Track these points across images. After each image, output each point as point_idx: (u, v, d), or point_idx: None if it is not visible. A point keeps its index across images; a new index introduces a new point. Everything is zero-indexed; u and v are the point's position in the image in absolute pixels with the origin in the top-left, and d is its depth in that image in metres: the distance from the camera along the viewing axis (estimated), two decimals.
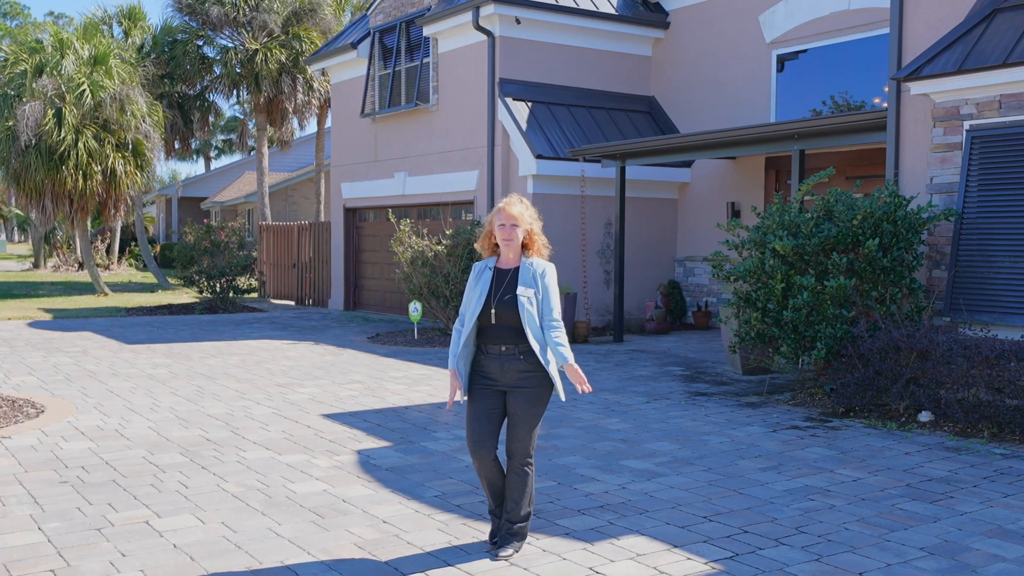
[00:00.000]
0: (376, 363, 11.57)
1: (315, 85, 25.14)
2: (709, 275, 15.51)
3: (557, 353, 4.55)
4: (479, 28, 14.99)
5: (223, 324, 16.59)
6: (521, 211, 4.61)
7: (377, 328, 15.76)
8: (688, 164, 15.86)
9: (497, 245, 4.69)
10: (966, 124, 8.74)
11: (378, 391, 9.54)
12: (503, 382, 4.60)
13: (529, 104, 15.19)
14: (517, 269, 4.64)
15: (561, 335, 4.59)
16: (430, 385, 9.91)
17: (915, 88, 9.02)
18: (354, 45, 18.47)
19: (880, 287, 8.39)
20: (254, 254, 22.12)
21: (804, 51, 14.31)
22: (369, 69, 18.34)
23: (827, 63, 14.01)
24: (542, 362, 4.57)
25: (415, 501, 5.70)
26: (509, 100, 14.99)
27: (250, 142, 31.53)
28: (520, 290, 4.57)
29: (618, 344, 13.45)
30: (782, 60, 14.57)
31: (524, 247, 4.66)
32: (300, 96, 24.98)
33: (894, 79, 9.20)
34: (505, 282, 4.61)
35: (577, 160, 14.51)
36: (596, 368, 11.10)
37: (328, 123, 28.33)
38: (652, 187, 15.80)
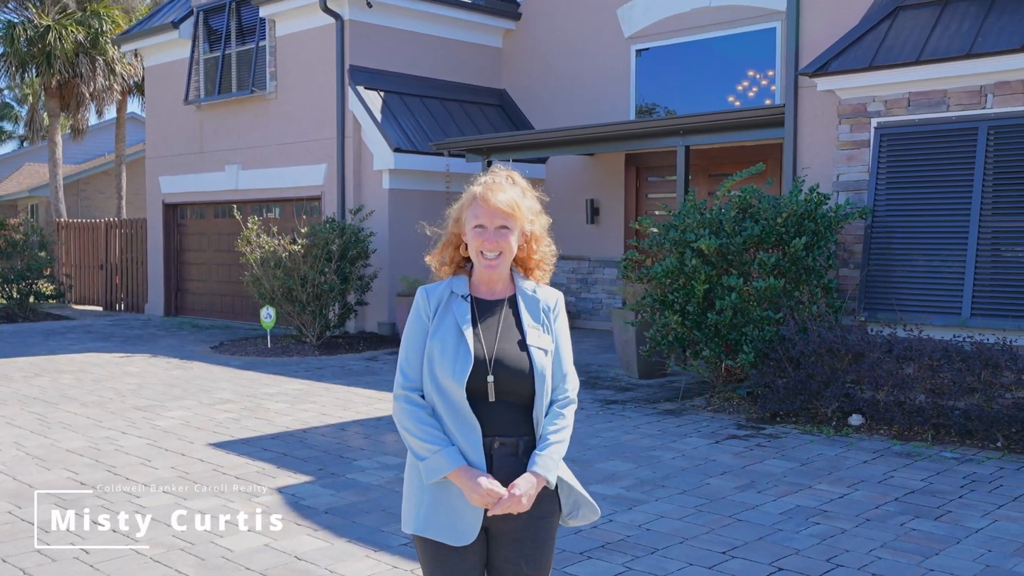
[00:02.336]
0: (237, 377, 10.33)
1: (118, 68, 22.84)
2: (567, 275, 15.13)
3: (546, 456, 2.65)
4: (326, 10, 13.87)
5: (30, 335, 14.58)
6: (515, 200, 2.70)
7: (214, 336, 14.31)
8: (543, 160, 15.40)
9: (467, 260, 2.79)
10: (874, 122, 8.68)
11: (259, 412, 8.41)
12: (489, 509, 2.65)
13: (382, 94, 14.23)
14: (513, 299, 2.77)
15: (568, 423, 2.74)
16: (315, 402, 8.86)
17: (822, 84, 8.88)
18: (175, 24, 16.77)
19: (802, 287, 8.16)
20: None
21: (664, 47, 14.14)
22: (193, 52, 16.71)
23: (688, 59, 13.89)
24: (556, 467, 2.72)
25: (385, 553, 4.80)
26: (361, 89, 13.96)
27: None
28: (533, 337, 2.69)
29: None
30: (642, 55, 14.37)
31: (517, 262, 2.80)
32: (100, 80, 22.61)
33: (801, 74, 9.05)
34: (499, 323, 2.71)
35: (440, 154, 13.71)
36: None
37: (130, 110, 25.95)
38: None
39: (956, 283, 7.98)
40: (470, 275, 2.79)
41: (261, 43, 15.48)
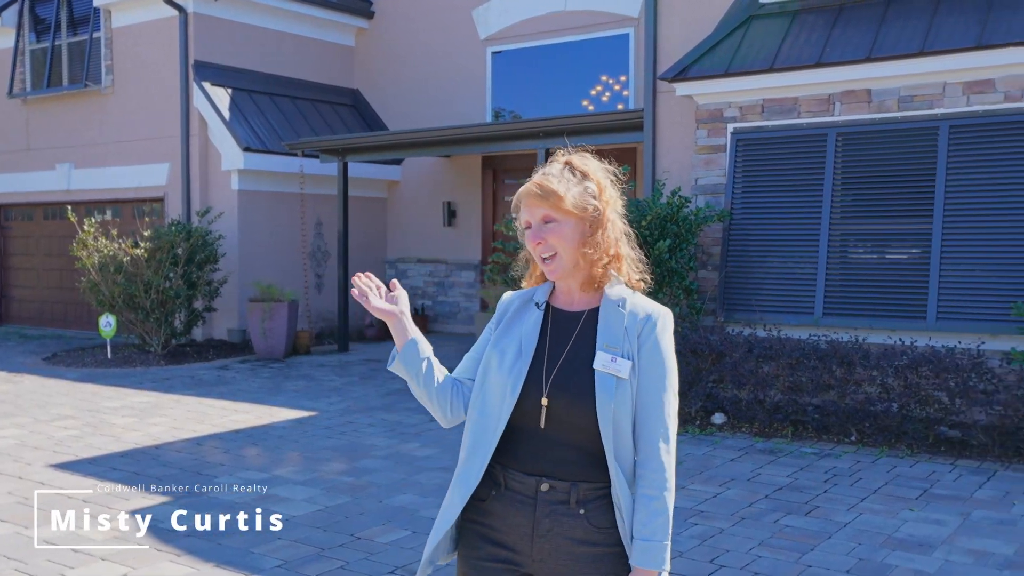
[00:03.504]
0: (75, 391, 9.63)
1: None
2: (424, 278, 14.92)
3: (648, 531, 2.17)
4: (169, 1, 13.18)
5: None
6: (551, 182, 2.22)
7: (46, 346, 13.34)
8: (399, 162, 15.14)
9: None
10: (730, 127, 8.91)
11: (104, 428, 7.84)
12: (533, 561, 2.23)
13: (230, 91, 13.63)
14: (594, 312, 2.27)
15: (667, 479, 2.20)
16: (165, 416, 8.33)
17: (681, 89, 9.05)
18: None
19: (665, 288, 8.28)
20: None
21: (520, 49, 14.16)
22: (18, 42, 15.57)
23: (543, 63, 13.95)
24: (626, 528, 2.20)
25: None
26: (207, 85, 13.33)
27: None
28: (603, 359, 2.19)
29: (346, 354, 12.44)
30: (498, 58, 14.33)
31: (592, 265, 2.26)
32: None
33: (661, 79, 9.18)
34: (571, 338, 2.25)
35: (293, 154, 13.24)
36: (346, 383, 10.07)
37: None
38: (361, 185, 14.82)
39: (809, 283, 8.28)
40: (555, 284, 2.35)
41: (95, 34, 14.57)
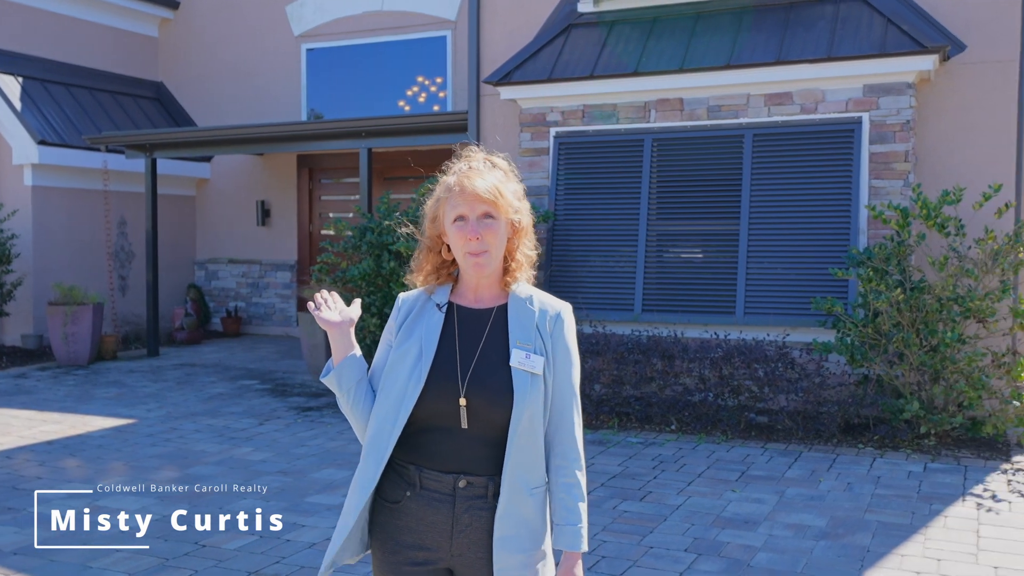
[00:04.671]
0: None
1: None
2: (237, 279, 14.49)
3: (567, 515, 2.27)
4: None
5: None
6: (497, 184, 2.28)
7: None
8: (208, 158, 14.61)
9: (450, 263, 2.35)
10: (553, 131, 9.22)
11: None
12: (452, 556, 2.27)
13: (20, 79, 12.73)
14: (503, 309, 2.32)
15: (582, 467, 2.33)
16: None
17: (505, 93, 9.27)
18: None
19: None
20: None
21: (336, 48, 14.00)
22: None
23: (360, 62, 13.87)
24: (542, 521, 2.30)
25: None
26: None
27: None
28: (518, 356, 2.25)
29: (156, 358, 11.91)
30: (313, 55, 14.11)
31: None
32: None
33: (486, 83, 9.37)
34: (482, 337, 2.29)
35: (96, 149, 12.52)
36: (161, 388, 9.65)
37: None
38: (167, 183, 14.16)
39: (629, 281, 8.70)
40: (455, 281, 2.37)
41: None
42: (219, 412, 8.45)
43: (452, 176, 2.31)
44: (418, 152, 13.06)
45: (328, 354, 8.78)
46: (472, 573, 2.27)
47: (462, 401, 2.22)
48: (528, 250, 2.34)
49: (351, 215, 13.62)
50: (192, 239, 14.82)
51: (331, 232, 13.87)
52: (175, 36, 14.89)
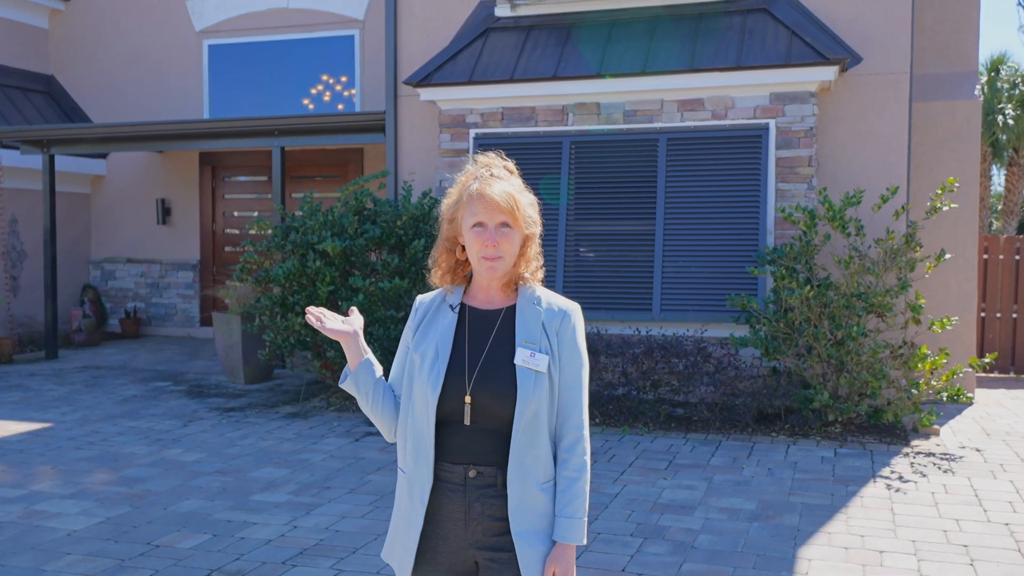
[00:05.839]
0: None
1: None
2: (135, 279, 14.11)
3: (568, 507, 2.37)
4: None
5: None
6: (515, 195, 2.39)
7: None
8: (105, 155, 14.18)
9: (464, 263, 2.46)
10: (472, 132, 9.38)
11: None
12: (467, 544, 2.39)
13: None
14: (512, 309, 2.45)
15: (585, 462, 2.41)
16: None
17: (425, 95, 9.38)
18: None
19: (420, 286, 8.58)
20: None
21: (239, 44, 13.80)
22: None
23: (264, 59, 13.71)
24: (549, 508, 2.40)
25: None
26: None
27: None
28: (523, 355, 2.36)
29: (56, 361, 11.53)
30: (215, 51, 13.87)
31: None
32: None
33: (406, 83, 9.45)
34: (490, 335, 2.42)
35: None
36: (69, 391, 9.38)
37: None
38: (60, 179, 13.67)
39: (549, 280, 8.92)
40: (468, 283, 2.48)
41: None
42: (138, 414, 8.29)
43: (474, 182, 2.40)
44: (325, 151, 13.05)
45: (246, 354, 8.81)
46: (487, 558, 2.37)
47: (467, 398, 2.33)
48: (537, 255, 2.46)
49: (256, 213, 13.48)
50: (87, 238, 14.36)
51: (235, 232, 13.71)
52: (67, 28, 14.40)
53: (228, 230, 13.83)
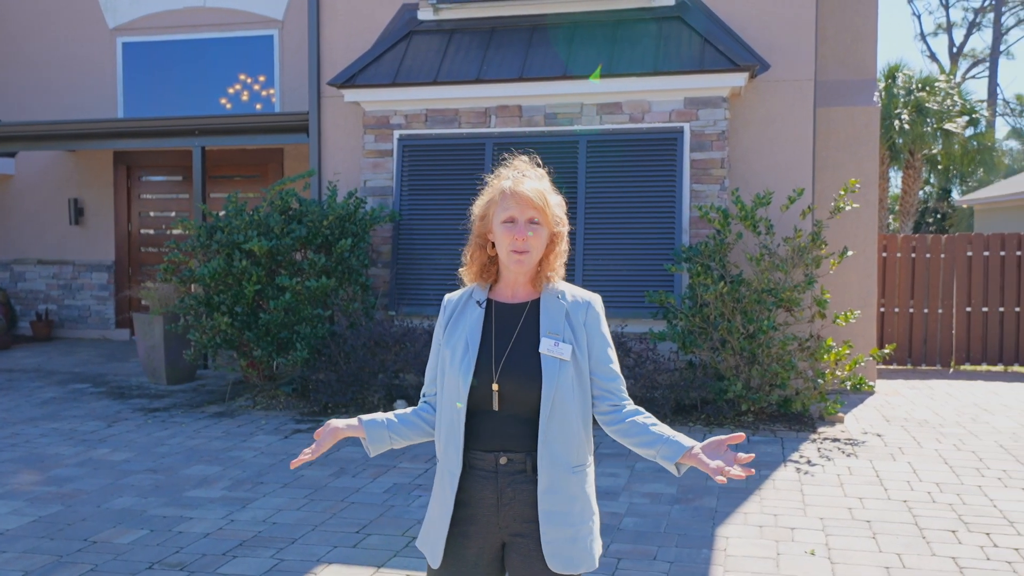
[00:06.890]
0: None
1: None
2: (47, 281, 13.82)
3: (668, 433, 2.47)
4: None
5: None
6: (545, 193, 2.53)
7: None
8: (12, 154, 13.84)
9: (494, 260, 2.59)
10: (397, 133, 9.52)
11: None
12: (499, 528, 2.50)
13: None
14: (536, 303, 2.58)
15: (648, 415, 2.55)
16: None
17: (349, 96, 9.49)
18: None
19: (346, 285, 8.68)
20: None
21: (155, 42, 13.64)
22: None
23: (181, 58, 13.57)
24: (588, 499, 2.53)
25: None
26: None
27: None
28: (548, 344, 2.50)
29: None
30: (129, 49, 13.67)
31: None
32: None
33: (330, 84, 9.54)
34: (515, 328, 2.55)
35: None
36: None
37: None
38: None
39: None
40: (496, 279, 2.60)
41: None
42: (59, 416, 8.21)
43: (507, 181, 2.54)
44: (245, 151, 13.00)
45: (169, 355, 8.77)
46: (519, 543, 2.48)
47: (494, 386, 2.46)
48: (561, 252, 2.59)
49: (174, 214, 13.35)
50: None
51: (152, 232, 13.55)
52: None
53: (144, 230, 13.66)
